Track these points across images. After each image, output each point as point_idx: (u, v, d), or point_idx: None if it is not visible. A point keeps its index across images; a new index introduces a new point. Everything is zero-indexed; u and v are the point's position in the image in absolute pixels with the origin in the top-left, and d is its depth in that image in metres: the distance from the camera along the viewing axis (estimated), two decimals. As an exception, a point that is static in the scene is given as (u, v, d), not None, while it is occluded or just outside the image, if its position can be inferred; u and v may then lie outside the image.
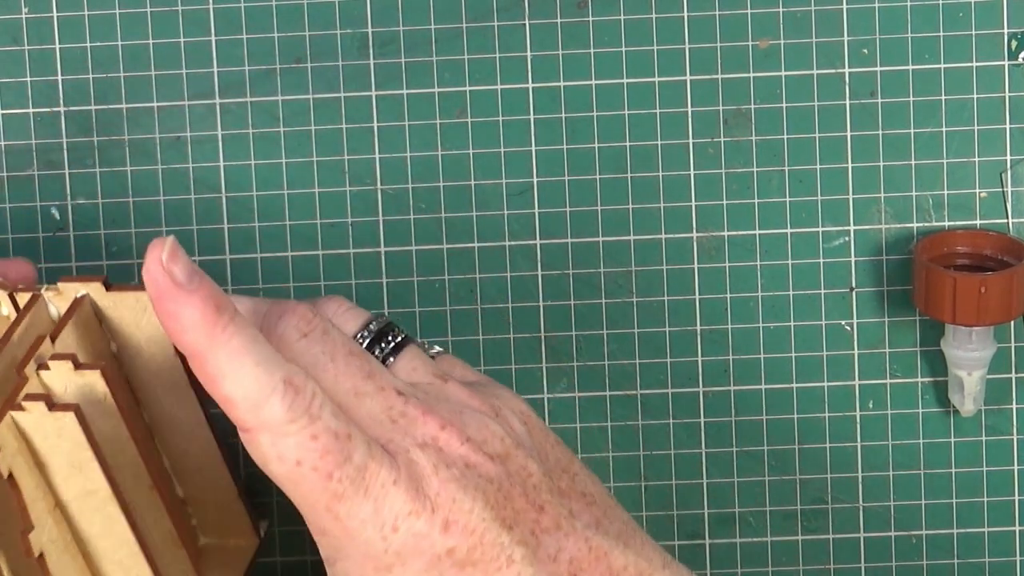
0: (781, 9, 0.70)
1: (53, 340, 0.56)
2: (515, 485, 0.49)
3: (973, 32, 0.70)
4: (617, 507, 0.54)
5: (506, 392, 0.55)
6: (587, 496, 0.52)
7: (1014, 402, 0.72)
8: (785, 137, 0.70)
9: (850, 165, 0.71)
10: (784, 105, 0.70)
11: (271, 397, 0.47)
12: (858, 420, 0.72)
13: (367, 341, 0.54)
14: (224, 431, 0.59)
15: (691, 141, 0.71)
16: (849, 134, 0.70)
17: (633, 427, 0.72)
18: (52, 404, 0.53)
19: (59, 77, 0.71)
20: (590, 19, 0.70)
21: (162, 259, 0.48)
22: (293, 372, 0.48)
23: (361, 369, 0.51)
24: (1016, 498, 0.72)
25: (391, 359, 0.53)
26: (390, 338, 0.54)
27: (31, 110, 0.71)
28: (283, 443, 0.47)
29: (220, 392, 0.48)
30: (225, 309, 0.48)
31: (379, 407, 0.50)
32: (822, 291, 0.71)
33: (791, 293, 0.71)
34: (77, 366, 0.54)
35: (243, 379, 0.47)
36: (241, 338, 0.47)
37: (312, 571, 0.73)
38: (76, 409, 0.53)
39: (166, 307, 0.48)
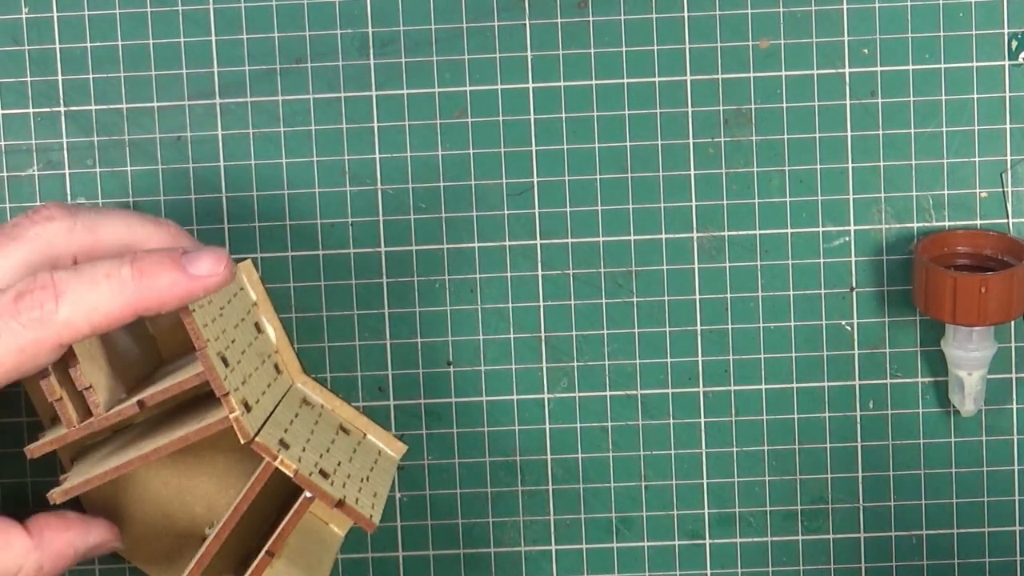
0: (781, 9, 0.70)
1: None
2: None
3: (973, 32, 0.70)
4: None
5: None
6: None
7: (1014, 402, 0.72)
8: (785, 137, 0.71)
9: (850, 165, 0.71)
10: (784, 105, 0.70)
11: None
12: (858, 420, 0.72)
13: None
14: None
15: (691, 141, 0.71)
16: (849, 134, 0.70)
17: (633, 427, 0.72)
18: None
19: (59, 77, 0.71)
20: (590, 19, 0.70)
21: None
22: None
23: None
24: (1016, 498, 0.72)
25: None
26: None
27: (31, 110, 0.71)
28: None
29: None
30: None
31: None
32: (822, 291, 0.71)
33: (791, 293, 0.71)
34: None
35: None
36: None
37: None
38: None
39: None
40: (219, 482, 0.67)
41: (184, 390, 0.60)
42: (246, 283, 0.68)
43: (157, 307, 0.58)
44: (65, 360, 0.59)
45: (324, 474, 0.62)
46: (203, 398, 0.62)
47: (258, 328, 0.68)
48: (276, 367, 0.68)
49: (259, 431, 0.61)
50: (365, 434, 0.70)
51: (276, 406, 0.65)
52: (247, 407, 0.61)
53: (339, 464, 0.64)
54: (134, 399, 0.60)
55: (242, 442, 0.60)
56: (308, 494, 0.61)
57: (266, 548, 0.62)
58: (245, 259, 0.69)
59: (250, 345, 0.65)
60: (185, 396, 0.63)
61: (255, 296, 0.68)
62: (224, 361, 0.61)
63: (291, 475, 0.60)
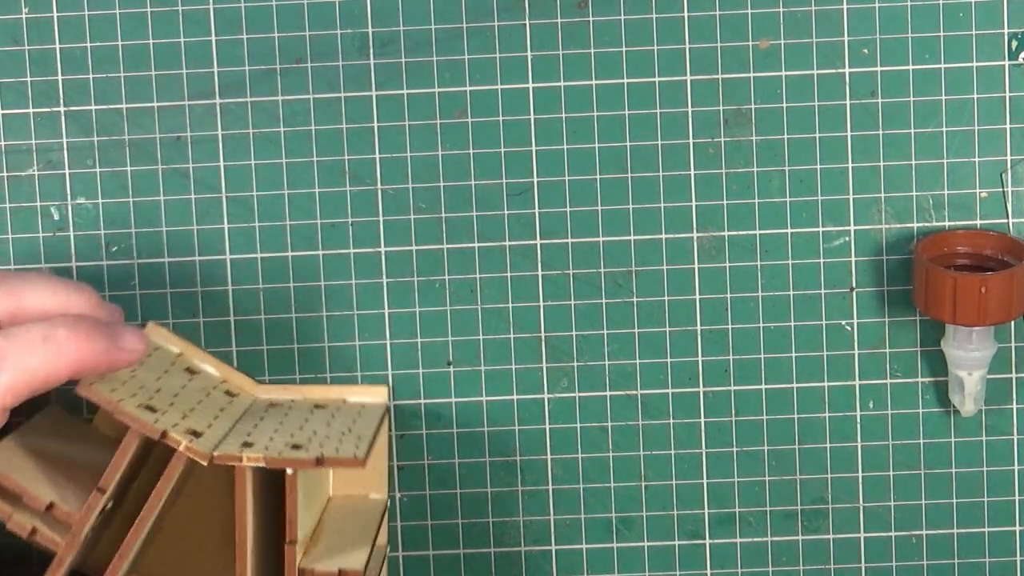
0: (781, 9, 0.70)
1: None
2: None
3: (973, 32, 0.70)
4: None
5: None
6: None
7: (1014, 402, 0.72)
8: (785, 137, 0.71)
9: (850, 165, 0.71)
10: (784, 105, 0.70)
11: None
12: (858, 420, 0.72)
13: None
14: None
15: (691, 141, 0.71)
16: (849, 134, 0.70)
17: (633, 427, 0.72)
18: None
19: (59, 77, 0.71)
20: (590, 19, 0.70)
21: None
22: None
23: None
24: (1016, 498, 0.72)
25: None
26: None
27: (31, 110, 0.71)
28: None
29: None
30: None
31: None
32: (822, 291, 0.71)
33: (791, 293, 0.71)
34: None
35: None
36: None
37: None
38: None
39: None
40: (229, 521, 0.67)
41: (128, 455, 0.61)
42: (161, 343, 0.68)
43: (91, 370, 0.59)
44: (15, 496, 0.61)
45: (297, 447, 0.63)
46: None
47: (191, 371, 0.68)
48: (228, 392, 0.69)
49: (216, 447, 0.62)
50: (345, 400, 0.71)
51: (235, 423, 0.66)
52: (196, 434, 0.62)
53: (314, 433, 0.65)
54: (93, 488, 0.61)
55: (204, 464, 0.61)
56: (289, 471, 0.62)
57: (287, 540, 0.63)
58: (145, 323, 0.69)
59: (184, 387, 0.66)
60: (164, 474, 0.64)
61: (177, 349, 0.69)
62: (151, 409, 0.62)
63: (263, 465, 0.62)
